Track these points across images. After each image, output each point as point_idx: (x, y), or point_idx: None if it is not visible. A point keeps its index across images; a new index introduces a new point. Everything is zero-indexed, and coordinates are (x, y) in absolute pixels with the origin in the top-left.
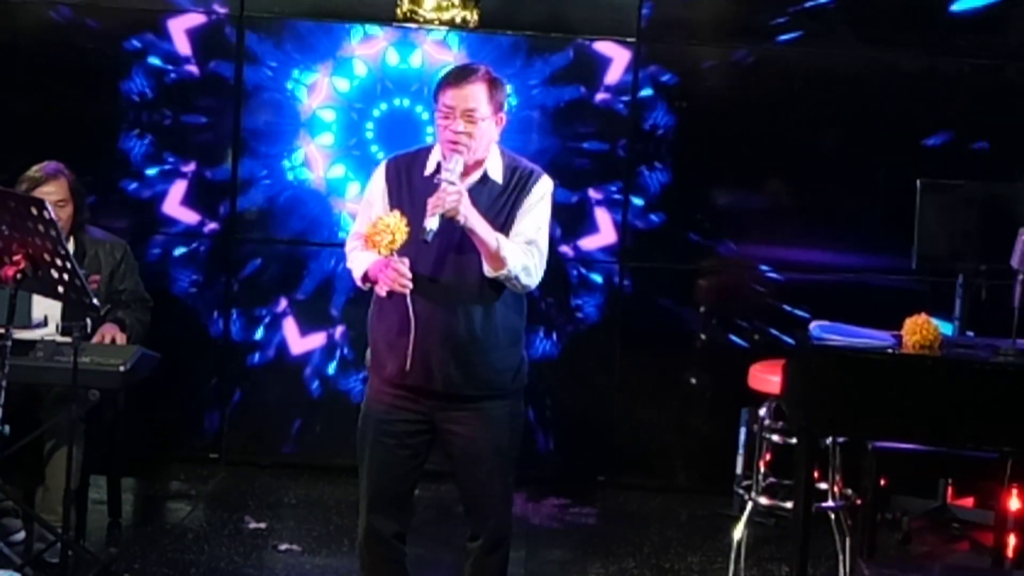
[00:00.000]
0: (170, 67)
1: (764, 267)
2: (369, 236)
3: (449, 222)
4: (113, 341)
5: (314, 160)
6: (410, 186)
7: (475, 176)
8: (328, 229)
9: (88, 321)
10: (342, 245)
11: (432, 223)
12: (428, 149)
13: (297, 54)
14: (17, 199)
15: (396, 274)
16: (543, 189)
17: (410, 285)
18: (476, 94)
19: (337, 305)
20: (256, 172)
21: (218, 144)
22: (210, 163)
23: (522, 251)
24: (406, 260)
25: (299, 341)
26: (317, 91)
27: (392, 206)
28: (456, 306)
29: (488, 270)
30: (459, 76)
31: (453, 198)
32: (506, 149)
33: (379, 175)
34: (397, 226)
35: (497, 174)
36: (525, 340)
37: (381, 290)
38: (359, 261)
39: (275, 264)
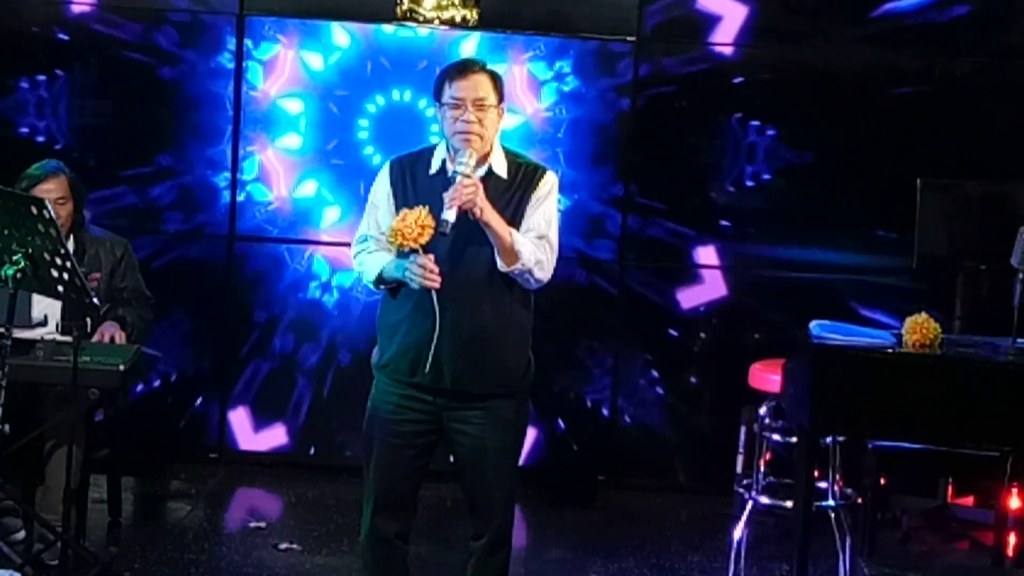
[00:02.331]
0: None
1: (764, 266)
2: (397, 230)
3: (461, 217)
4: (112, 340)
5: (273, 173)
6: (415, 186)
7: (480, 172)
8: (292, 279)
9: (88, 320)
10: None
11: (450, 215)
12: (431, 148)
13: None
14: (17, 198)
15: (424, 271)
16: (549, 183)
17: (439, 281)
18: (483, 83)
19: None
20: (179, 192)
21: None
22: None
23: (535, 245)
24: (431, 256)
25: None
26: (277, 70)
27: (398, 207)
28: (467, 301)
29: (502, 265)
30: (463, 68)
31: (470, 191)
32: (506, 145)
33: (383, 178)
34: (426, 221)
35: (502, 169)
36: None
37: (417, 283)
38: (371, 264)
39: None
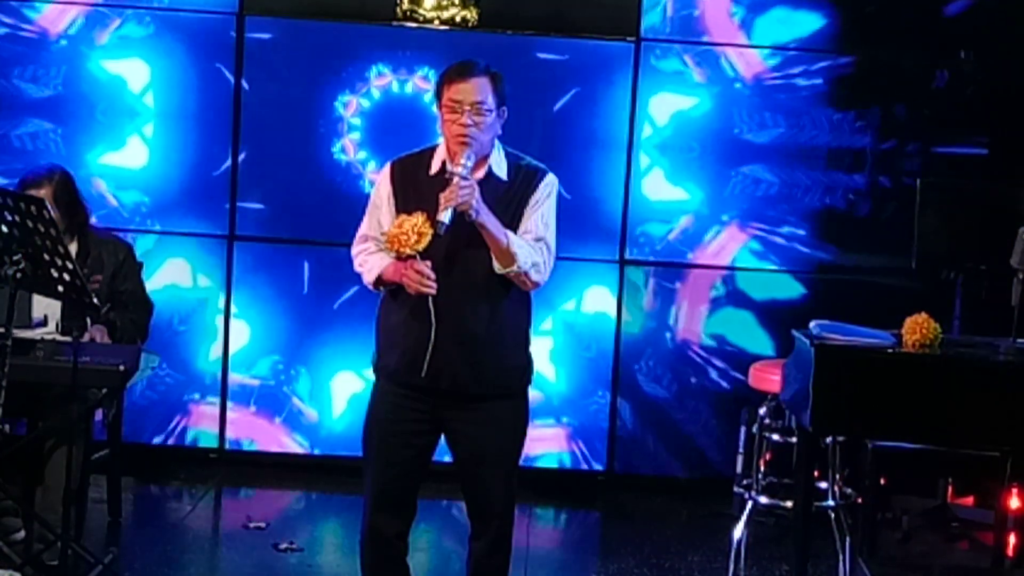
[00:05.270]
0: None
1: (764, 266)
2: (394, 236)
3: (457, 218)
4: (92, 340)
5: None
6: (416, 186)
7: (479, 174)
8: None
9: (88, 321)
10: None
11: (445, 216)
12: (432, 149)
13: None
14: (17, 198)
15: (420, 276)
16: (549, 186)
17: (434, 287)
18: (482, 87)
19: None
20: None
21: None
22: None
23: (531, 247)
24: (428, 262)
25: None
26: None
27: (399, 208)
28: (464, 303)
29: (498, 266)
30: (462, 70)
31: (466, 191)
32: (507, 147)
33: (384, 178)
34: (423, 227)
35: (502, 171)
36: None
37: (413, 288)
38: (371, 264)
39: None
